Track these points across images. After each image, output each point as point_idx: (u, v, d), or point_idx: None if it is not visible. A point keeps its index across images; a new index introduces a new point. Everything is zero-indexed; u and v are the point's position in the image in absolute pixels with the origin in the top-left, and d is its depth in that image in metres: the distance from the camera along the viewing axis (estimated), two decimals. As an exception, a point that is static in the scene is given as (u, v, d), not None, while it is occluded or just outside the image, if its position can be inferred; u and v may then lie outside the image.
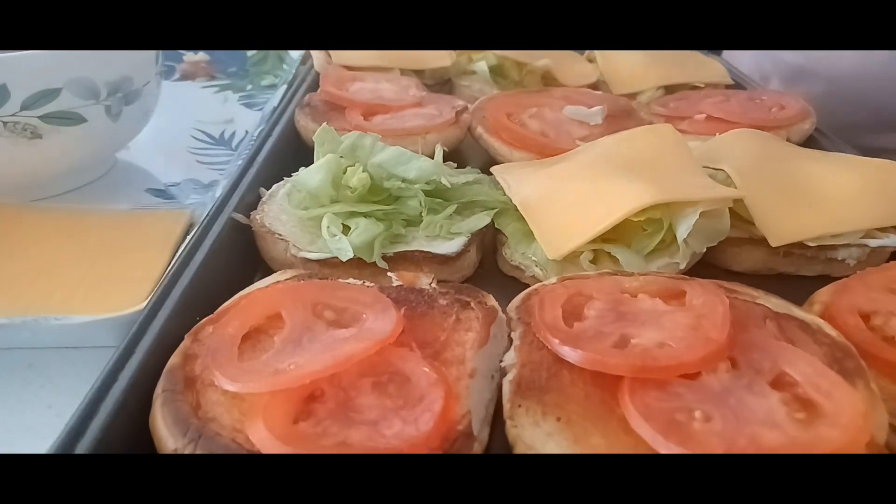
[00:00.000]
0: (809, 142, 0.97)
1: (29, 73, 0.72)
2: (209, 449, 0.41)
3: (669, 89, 1.17)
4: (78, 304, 0.60)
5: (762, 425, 0.41)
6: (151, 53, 0.86)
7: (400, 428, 0.42)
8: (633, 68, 1.19)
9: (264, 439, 0.40)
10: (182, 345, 0.50)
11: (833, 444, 0.39)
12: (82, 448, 0.42)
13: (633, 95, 1.15)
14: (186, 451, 0.41)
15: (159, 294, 0.56)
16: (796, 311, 0.52)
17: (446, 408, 0.43)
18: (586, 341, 0.48)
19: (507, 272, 0.71)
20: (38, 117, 0.74)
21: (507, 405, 0.45)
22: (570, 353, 0.47)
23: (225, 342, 0.49)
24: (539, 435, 0.43)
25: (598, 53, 1.24)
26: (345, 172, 0.70)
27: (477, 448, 0.44)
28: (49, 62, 0.72)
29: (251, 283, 0.60)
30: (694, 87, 1.17)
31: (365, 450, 0.40)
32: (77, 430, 0.43)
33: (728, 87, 1.20)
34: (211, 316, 0.53)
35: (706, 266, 0.72)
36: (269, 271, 0.64)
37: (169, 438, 0.43)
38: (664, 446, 0.40)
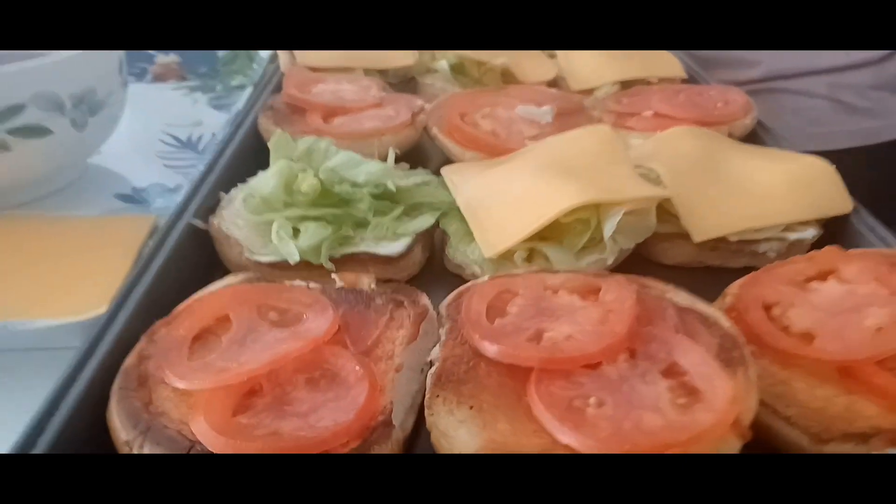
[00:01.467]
0: (751, 136, 1.01)
1: (-7, 89, 0.75)
2: (156, 440, 0.46)
3: (625, 84, 1.19)
4: (41, 309, 0.64)
5: (647, 410, 0.46)
6: (114, 63, 0.89)
7: (327, 419, 0.47)
8: (591, 64, 1.21)
9: (203, 431, 0.45)
10: (137, 345, 0.55)
11: (703, 426, 0.44)
12: (42, 445, 0.46)
13: (590, 91, 1.18)
14: (136, 442, 0.47)
15: (119, 298, 0.61)
16: (699, 305, 0.57)
17: (370, 399, 0.48)
18: (504, 336, 0.53)
19: (452, 270, 0.75)
20: (5, 131, 0.78)
21: (427, 395, 0.50)
22: (488, 348, 0.52)
23: (176, 343, 0.54)
24: (452, 422, 0.47)
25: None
26: (297, 178, 0.74)
27: (398, 434, 0.49)
28: (12, 78, 0.75)
29: (210, 285, 0.64)
30: (649, 83, 1.20)
31: (291, 439, 0.45)
32: (38, 427, 0.47)
33: (683, 80, 1.23)
34: (166, 318, 0.58)
35: (639, 260, 0.76)
36: (228, 274, 0.68)
37: (122, 431, 0.48)
38: (559, 430, 0.45)
